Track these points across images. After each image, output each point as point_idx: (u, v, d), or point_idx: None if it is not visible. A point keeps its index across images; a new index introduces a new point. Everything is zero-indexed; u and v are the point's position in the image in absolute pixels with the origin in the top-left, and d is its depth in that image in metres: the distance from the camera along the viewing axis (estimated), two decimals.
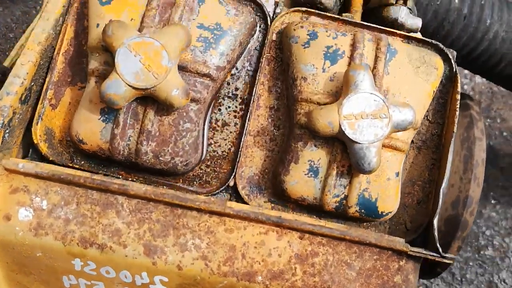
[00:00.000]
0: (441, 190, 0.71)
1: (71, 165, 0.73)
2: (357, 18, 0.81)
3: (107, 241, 0.68)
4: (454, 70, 0.76)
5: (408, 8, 0.81)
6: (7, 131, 0.68)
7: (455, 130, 0.74)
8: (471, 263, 1.72)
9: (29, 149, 0.74)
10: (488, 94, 1.81)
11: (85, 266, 0.70)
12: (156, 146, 0.68)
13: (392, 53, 0.72)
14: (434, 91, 0.74)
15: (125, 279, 0.71)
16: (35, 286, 0.75)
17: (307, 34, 0.72)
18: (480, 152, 0.98)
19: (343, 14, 0.77)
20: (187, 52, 0.69)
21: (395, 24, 0.80)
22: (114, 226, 0.68)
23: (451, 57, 0.76)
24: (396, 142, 0.70)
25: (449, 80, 0.77)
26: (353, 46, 0.71)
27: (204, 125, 0.73)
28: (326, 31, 0.72)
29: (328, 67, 0.71)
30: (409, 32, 0.80)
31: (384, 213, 0.71)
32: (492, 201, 1.71)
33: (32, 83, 0.71)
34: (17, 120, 0.70)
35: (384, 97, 0.70)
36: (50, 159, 0.72)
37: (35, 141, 0.72)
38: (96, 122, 0.68)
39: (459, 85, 0.75)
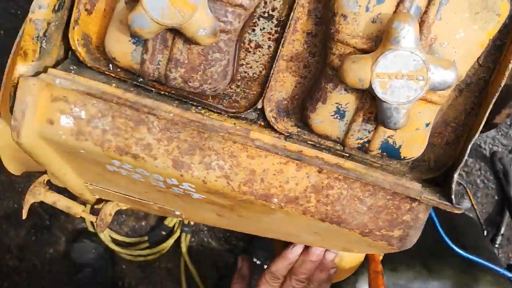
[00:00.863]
0: (470, 145, 0.69)
1: (107, 73, 0.75)
2: None
3: (139, 152, 0.74)
4: None
5: None
6: (43, 41, 0.70)
7: (503, 80, 0.68)
8: None
9: (69, 51, 0.76)
10: None
11: (123, 165, 0.77)
12: (185, 72, 0.69)
13: None
14: (490, 40, 0.66)
15: (158, 177, 0.79)
16: (85, 165, 0.84)
17: None
18: None
19: None
20: None
21: None
22: (146, 141, 0.73)
23: None
24: (432, 96, 0.66)
25: None
26: None
27: (235, 49, 0.71)
28: None
29: (373, 6, 0.64)
30: None
31: (406, 158, 0.72)
32: None
33: None
34: (53, 28, 0.71)
35: (428, 47, 0.64)
36: (88, 65, 0.75)
37: (73, 47, 0.74)
38: (127, 43, 0.68)
39: None
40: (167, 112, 0.71)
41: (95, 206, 1.14)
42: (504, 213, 2.32)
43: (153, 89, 0.75)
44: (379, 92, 0.62)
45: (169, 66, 0.68)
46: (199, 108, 0.75)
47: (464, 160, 0.70)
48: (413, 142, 0.70)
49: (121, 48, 0.68)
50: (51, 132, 0.73)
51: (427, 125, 0.69)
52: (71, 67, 0.75)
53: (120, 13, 0.67)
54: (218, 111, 0.75)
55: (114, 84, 0.74)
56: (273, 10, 0.71)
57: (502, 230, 2.38)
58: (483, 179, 2.39)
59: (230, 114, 0.75)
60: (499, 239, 2.37)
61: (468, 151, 0.70)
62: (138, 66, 0.69)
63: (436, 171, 0.76)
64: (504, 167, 2.31)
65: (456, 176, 0.70)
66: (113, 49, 0.69)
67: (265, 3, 0.70)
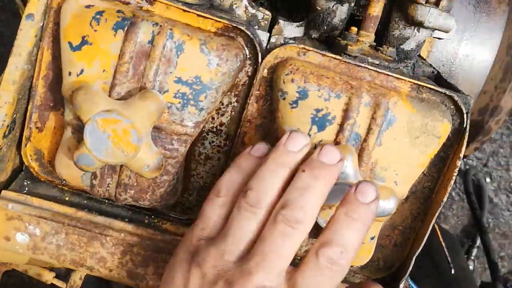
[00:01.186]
0: (414, 257, 0.71)
1: (60, 186, 0.76)
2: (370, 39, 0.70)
3: (94, 265, 0.75)
4: (465, 125, 0.68)
5: (439, 9, 0.69)
6: None
7: (447, 193, 0.70)
8: None
9: (23, 164, 0.77)
10: None
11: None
12: (134, 193, 0.70)
13: (390, 121, 0.64)
14: (431, 159, 0.68)
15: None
16: None
17: (297, 92, 0.64)
18: None
19: (349, 48, 0.67)
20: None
21: (420, 26, 0.70)
22: (100, 255, 0.74)
23: (465, 111, 0.68)
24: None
25: (456, 135, 0.69)
26: (346, 113, 0.64)
27: (184, 163, 0.72)
28: (319, 90, 0.64)
29: (315, 133, 0.65)
30: (438, 30, 0.70)
31: (353, 266, 0.74)
32: None
33: (14, 115, 0.70)
34: (5, 149, 0.71)
35: (370, 171, 0.66)
36: (42, 179, 0.75)
37: (26, 163, 0.74)
38: (76, 169, 0.69)
39: (464, 147, 0.68)
40: (119, 231, 0.72)
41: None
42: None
43: (107, 201, 0.76)
44: (321, 222, 0.64)
45: (119, 190, 0.69)
46: (152, 217, 0.76)
47: (409, 271, 0.72)
48: (359, 254, 0.71)
49: (71, 173, 0.69)
50: (9, 247, 0.74)
51: (372, 238, 0.71)
52: (25, 182, 0.76)
53: (68, 141, 0.68)
54: (171, 218, 0.76)
55: (67, 197, 0.76)
56: (221, 125, 0.72)
57: (478, 243, 2.39)
58: (458, 192, 2.42)
59: (184, 221, 0.76)
60: (474, 251, 2.39)
61: (413, 262, 0.72)
62: (88, 188, 0.70)
63: (384, 271, 0.78)
64: (478, 182, 2.34)
65: (401, 286, 0.72)
66: (63, 172, 0.70)
67: (213, 119, 0.71)
